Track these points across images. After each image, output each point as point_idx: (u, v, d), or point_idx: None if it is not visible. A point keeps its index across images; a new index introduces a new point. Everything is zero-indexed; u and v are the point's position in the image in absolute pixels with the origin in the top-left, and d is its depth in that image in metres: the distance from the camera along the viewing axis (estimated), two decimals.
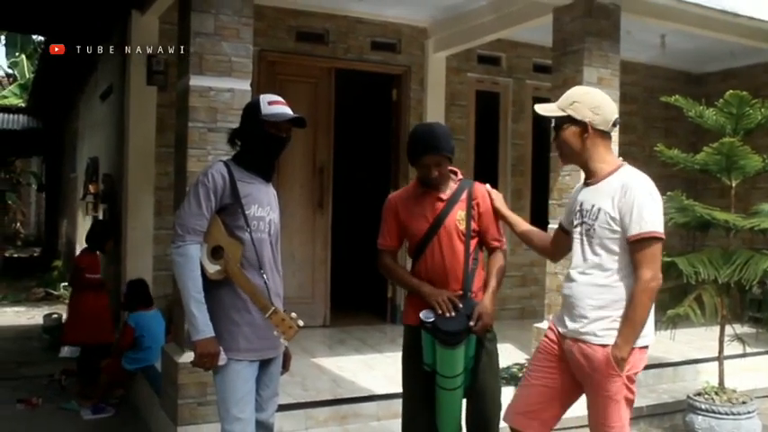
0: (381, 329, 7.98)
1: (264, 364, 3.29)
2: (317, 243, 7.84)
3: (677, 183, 8.57)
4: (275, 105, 3.23)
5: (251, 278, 3.14)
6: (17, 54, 21.15)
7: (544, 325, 6.21)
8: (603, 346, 2.93)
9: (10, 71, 22.41)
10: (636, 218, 2.83)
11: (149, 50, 6.72)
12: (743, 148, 5.02)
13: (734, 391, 5.16)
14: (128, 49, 6.91)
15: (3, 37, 20.23)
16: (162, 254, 6.70)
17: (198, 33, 4.64)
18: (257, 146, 3.24)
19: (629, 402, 3.00)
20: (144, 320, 5.85)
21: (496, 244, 3.61)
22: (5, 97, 20.40)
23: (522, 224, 3.58)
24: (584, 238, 3.02)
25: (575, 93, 3.06)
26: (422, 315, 3.24)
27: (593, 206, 2.98)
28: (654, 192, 2.93)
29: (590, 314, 2.97)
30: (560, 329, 3.16)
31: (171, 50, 6.11)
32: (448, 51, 8.19)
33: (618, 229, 2.89)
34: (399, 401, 5.10)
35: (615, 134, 6.08)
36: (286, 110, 3.25)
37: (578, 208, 3.10)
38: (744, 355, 5.80)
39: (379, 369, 6.02)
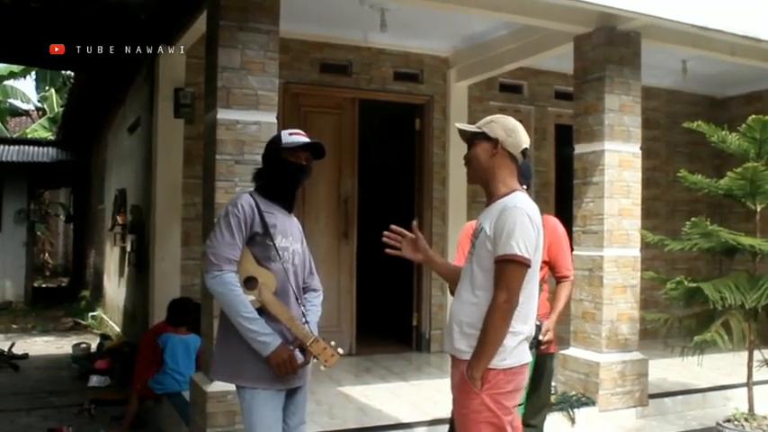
0: (407, 358, 7.99)
1: (291, 393, 3.34)
2: (342, 272, 7.90)
3: (702, 207, 8.58)
4: (294, 135, 3.37)
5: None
6: (47, 88, 21.61)
7: (571, 352, 6.20)
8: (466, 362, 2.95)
9: (39, 105, 22.87)
10: (504, 240, 2.85)
11: (176, 84, 6.87)
12: (767, 173, 5.01)
13: (764, 417, 5.11)
14: (155, 83, 7.07)
15: (33, 72, 20.63)
16: (189, 284, 6.79)
17: (225, 68, 4.76)
18: (278, 175, 3.35)
19: (496, 429, 2.90)
20: (171, 343, 5.90)
21: (565, 272, 4.15)
22: (35, 131, 20.82)
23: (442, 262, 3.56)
24: (470, 257, 3.07)
25: (494, 116, 3.14)
26: None
27: (480, 225, 3.03)
28: (529, 220, 2.90)
29: (461, 330, 2.98)
30: (444, 348, 3.18)
31: (198, 84, 6.26)
32: (470, 80, 8.27)
33: (491, 248, 2.92)
34: (425, 429, 5.17)
35: (639, 160, 6.19)
36: (305, 138, 3.37)
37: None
38: None
39: (405, 397, 6.03)
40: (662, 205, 9.54)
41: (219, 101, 4.75)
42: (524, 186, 3.34)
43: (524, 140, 3.07)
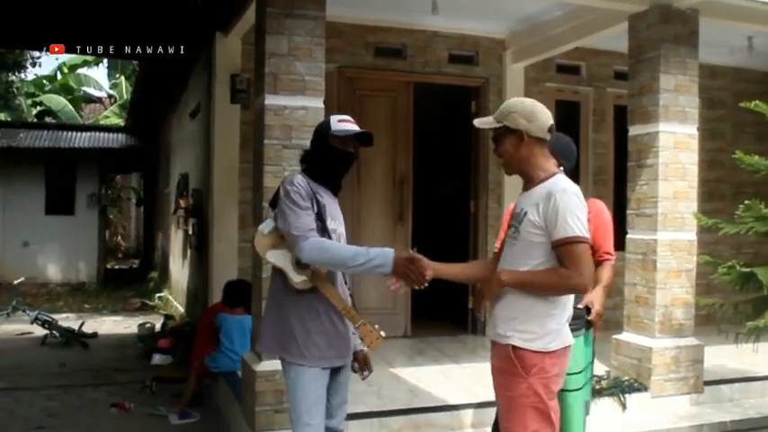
0: (462, 340, 8.02)
1: (334, 372, 3.42)
2: None
3: None
4: (344, 123, 3.40)
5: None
6: (117, 76, 22.27)
7: (623, 336, 6.12)
8: (513, 347, 2.93)
9: (111, 92, 23.58)
10: (561, 223, 2.85)
11: (233, 70, 7.01)
12: None
13: None
14: (213, 70, 7.23)
15: (105, 60, 21.29)
16: (246, 266, 6.91)
17: (273, 54, 4.84)
18: (325, 160, 3.40)
19: (540, 414, 2.92)
20: (227, 323, 6.08)
21: (607, 257, 4.14)
22: (107, 117, 21.50)
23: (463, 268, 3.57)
24: (511, 240, 3.07)
25: (510, 104, 3.09)
26: None
27: (521, 209, 3.01)
28: (578, 201, 2.91)
29: (504, 314, 2.99)
30: (488, 334, 3.18)
31: (253, 70, 6.37)
32: (526, 62, 8.18)
33: (540, 233, 2.92)
34: (472, 411, 5.19)
35: (695, 141, 6.04)
36: (354, 127, 3.40)
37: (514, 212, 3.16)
38: None
39: (456, 380, 6.05)
40: (726, 187, 9.28)
41: (267, 87, 4.84)
42: (562, 167, 3.35)
43: (547, 119, 3.03)
